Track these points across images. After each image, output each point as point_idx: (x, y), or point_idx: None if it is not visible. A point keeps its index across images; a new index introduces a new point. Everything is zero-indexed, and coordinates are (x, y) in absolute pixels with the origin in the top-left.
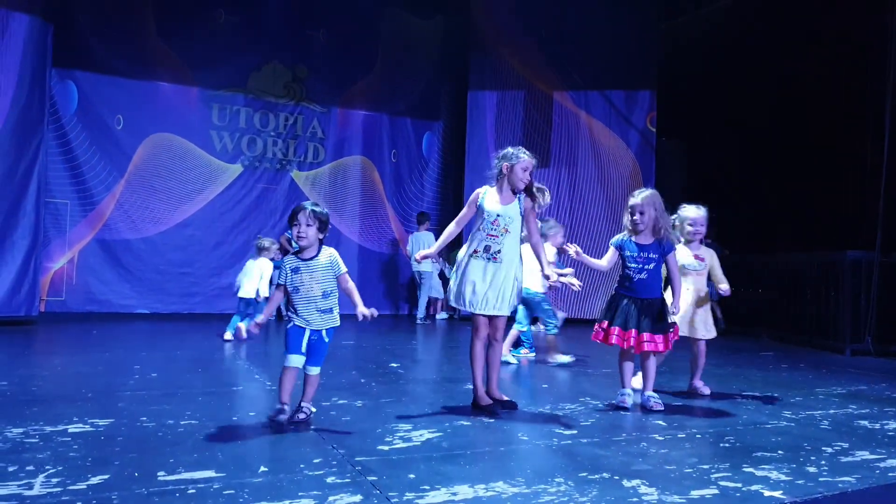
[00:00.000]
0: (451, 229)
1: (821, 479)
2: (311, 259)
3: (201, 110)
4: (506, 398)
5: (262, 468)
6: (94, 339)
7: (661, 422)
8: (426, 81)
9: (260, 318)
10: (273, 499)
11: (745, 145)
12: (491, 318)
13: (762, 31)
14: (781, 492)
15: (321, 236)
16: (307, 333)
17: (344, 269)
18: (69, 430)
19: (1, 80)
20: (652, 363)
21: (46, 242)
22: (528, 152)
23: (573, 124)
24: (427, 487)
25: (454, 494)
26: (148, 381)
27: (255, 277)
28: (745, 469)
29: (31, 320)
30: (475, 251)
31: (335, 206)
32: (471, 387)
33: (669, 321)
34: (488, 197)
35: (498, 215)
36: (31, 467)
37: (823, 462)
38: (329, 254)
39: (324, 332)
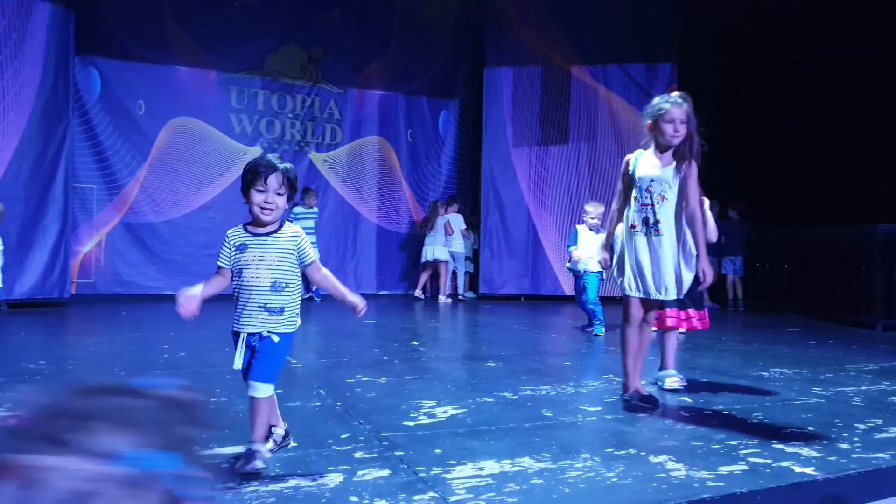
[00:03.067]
0: (612, 207)
1: (854, 455)
2: (266, 235)
3: (220, 93)
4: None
5: (292, 443)
6: (123, 319)
7: (686, 398)
8: (441, 59)
9: (191, 291)
10: (304, 473)
11: (773, 117)
12: (644, 301)
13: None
14: (813, 468)
15: (286, 207)
16: (243, 340)
17: (312, 257)
18: None
19: (28, 69)
20: (674, 338)
21: (75, 226)
22: (676, 97)
23: (592, 99)
24: (454, 462)
25: (480, 469)
26: (177, 359)
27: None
28: (774, 445)
29: (62, 302)
30: (633, 225)
31: (353, 187)
32: (492, 364)
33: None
34: (641, 161)
35: (652, 180)
36: None
37: (856, 439)
38: (293, 232)
39: (266, 333)
